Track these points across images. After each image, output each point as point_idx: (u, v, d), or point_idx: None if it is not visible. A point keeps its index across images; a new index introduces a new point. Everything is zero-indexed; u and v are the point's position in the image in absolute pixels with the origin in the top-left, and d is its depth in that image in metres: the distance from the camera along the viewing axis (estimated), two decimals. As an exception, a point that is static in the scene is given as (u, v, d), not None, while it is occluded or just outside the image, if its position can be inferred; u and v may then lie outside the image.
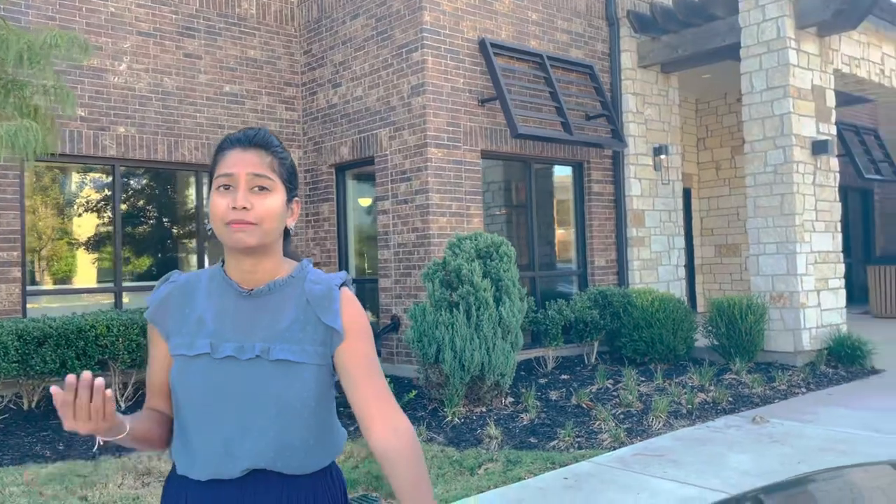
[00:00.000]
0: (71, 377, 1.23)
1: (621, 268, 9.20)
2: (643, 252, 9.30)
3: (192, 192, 8.71)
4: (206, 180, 8.76)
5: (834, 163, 8.63)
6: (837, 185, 8.71)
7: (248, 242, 1.43)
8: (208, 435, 1.45)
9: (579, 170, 9.19)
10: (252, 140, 1.47)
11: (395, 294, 7.99)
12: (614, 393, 6.81)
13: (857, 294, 13.39)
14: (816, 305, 8.26)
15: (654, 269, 9.40)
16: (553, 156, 8.79)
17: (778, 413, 6.27)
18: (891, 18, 8.96)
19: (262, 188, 1.45)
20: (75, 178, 7.95)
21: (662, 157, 9.41)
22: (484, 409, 6.34)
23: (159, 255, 8.59)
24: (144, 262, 8.51)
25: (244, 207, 1.41)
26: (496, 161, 8.52)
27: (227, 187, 1.45)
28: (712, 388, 6.85)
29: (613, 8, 9.31)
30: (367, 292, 8.80)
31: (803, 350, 8.06)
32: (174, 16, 8.30)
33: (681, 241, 9.83)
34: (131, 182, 8.39)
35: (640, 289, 8.39)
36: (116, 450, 5.46)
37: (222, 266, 1.54)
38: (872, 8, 8.05)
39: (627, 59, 9.34)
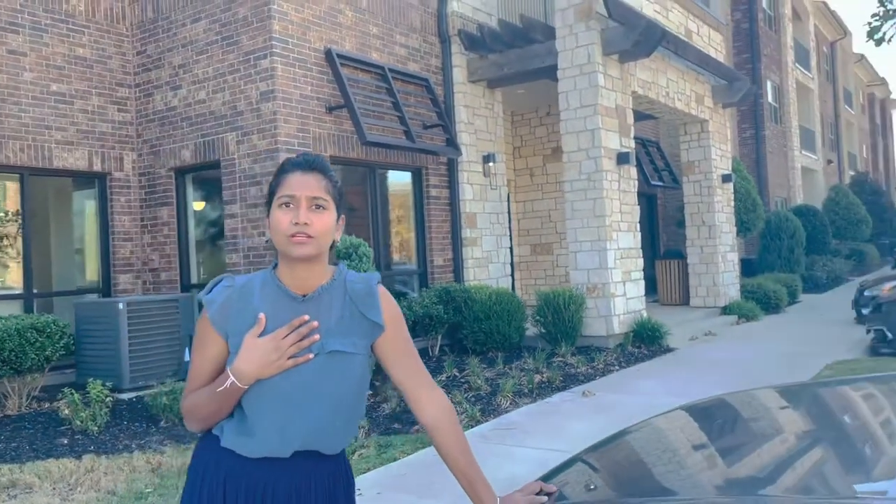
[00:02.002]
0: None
1: (457, 266, 9.95)
2: (476, 251, 10.12)
3: (16, 195, 8.16)
4: (23, 183, 8.31)
5: (634, 171, 10.00)
6: (636, 190, 10.09)
7: (308, 253, 1.66)
8: (266, 420, 1.66)
9: (418, 175, 9.81)
10: (311, 165, 1.70)
11: (246, 297, 8.07)
12: (462, 379, 7.47)
13: (647, 285, 15.32)
14: (623, 295, 9.54)
15: (486, 267, 10.26)
16: (395, 162, 9.33)
17: (601, 387, 7.28)
18: (674, 49, 10.53)
19: (318, 206, 1.67)
20: None
21: (490, 164, 10.29)
22: (347, 402, 6.71)
23: (-22, 264, 7.96)
24: (-39, 272, 7.85)
25: (305, 223, 1.64)
26: (343, 166, 8.88)
27: (288, 205, 1.67)
28: (546, 370, 7.74)
29: (445, 26, 10.04)
30: (213, 296, 8.76)
31: (614, 333, 9.28)
32: (-5, 8, 7.76)
33: (507, 241, 10.79)
34: (-54, 185, 7.72)
35: (477, 285, 9.18)
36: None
37: (273, 270, 1.74)
38: (662, 40, 9.46)
39: (459, 74, 10.11)
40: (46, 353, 6.59)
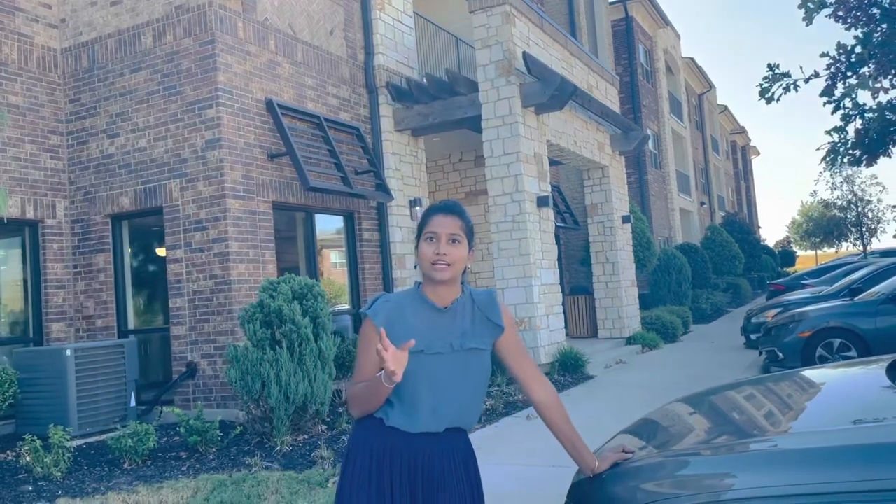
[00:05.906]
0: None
1: (390, 305, 10.35)
2: (406, 291, 10.57)
3: (-55, 244, 7.94)
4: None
5: (552, 213, 10.84)
6: (553, 231, 10.93)
7: (445, 277, 2.15)
8: (423, 403, 2.14)
9: (351, 219, 10.23)
10: (450, 209, 2.21)
11: (192, 341, 8.17)
12: (411, 411, 7.87)
13: (554, 321, 16.27)
14: (547, 327, 10.26)
15: (416, 306, 10.72)
16: (331, 206, 9.72)
17: (540, 411, 7.87)
18: (581, 102, 11.58)
19: (454, 241, 2.16)
20: None
21: (417, 208, 10.85)
22: (306, 437, 6.96)
23: None
24: None
25: (445, 254, 2.14)
26: (284, 211, 9.18)
27: (431, 239, 2.16)
28: (488, 398, 8.27)
29: (372, 79, 10.62)
30: (153, 342, 8.77)
31: (541, 363, 9.94)
32: (-71, 55, 7.65)
33: (433, 281, 11.31)
34: None
35: (413, 322, 9.63)
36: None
37: (419, 289, 2.24)
38: (573, 95, 10.44)
39: (386, 123, 10.68)
40: (-6, 403, 6.48)
